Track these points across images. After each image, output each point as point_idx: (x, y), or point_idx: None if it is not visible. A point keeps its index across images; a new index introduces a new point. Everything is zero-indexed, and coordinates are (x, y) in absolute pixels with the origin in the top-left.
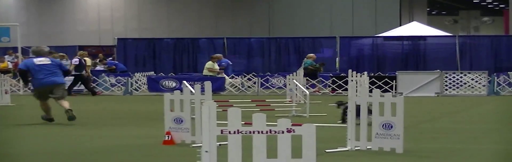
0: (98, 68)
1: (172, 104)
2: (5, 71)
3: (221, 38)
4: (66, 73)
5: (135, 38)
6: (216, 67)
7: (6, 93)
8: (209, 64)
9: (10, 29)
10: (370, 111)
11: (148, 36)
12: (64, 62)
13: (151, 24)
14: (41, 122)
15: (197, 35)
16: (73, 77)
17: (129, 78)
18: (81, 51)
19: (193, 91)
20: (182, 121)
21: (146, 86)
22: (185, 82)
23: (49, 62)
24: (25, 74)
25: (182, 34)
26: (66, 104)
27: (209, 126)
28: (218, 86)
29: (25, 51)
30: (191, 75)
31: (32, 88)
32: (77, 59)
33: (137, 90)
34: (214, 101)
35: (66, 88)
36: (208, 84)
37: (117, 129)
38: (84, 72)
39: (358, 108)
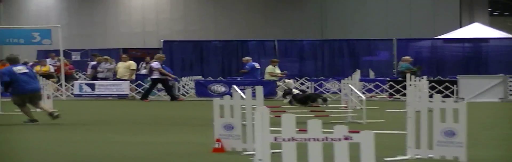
0: (143, 72)
1: (221, 110)
2: (47, 75)
3: (271, 40)
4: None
5: (181, 41)
6: (277, 71)
7: (48, 98)
8: (269, 68)
9: (52, 31)
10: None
11: (195, 38)
12: (107, 65)
13: (198, 25)
14: (87, 128)
15: (245, 37)
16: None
17: (176, 83)
18: (159, 55)
19: (244, 96)
20: (232, 127)
21: (194, 91)
22: (235, 86)
23: (28, 70)
24: (10, 84)
25: (230, 36)
26: (46, 106)
27: (262, 133)
28: (270, 91)
29: (67, 54)
30: (241, 79)
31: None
32: (157, 63)
33: (185, 95)
34: (266, 107)
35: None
36: (259, 89)
37: (164, 135)
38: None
39: (301, 99)
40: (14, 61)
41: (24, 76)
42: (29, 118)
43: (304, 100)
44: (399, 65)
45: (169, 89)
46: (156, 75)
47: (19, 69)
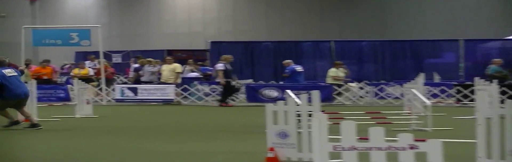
0: (189, 75)
1: (275, 116)
2: (86, 79)
3: (327, 41)
4: None
5: (230, 41)
6: (341, 74)
7: (87, 103)
8: (332, 71)
9: (91, 32)
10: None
11: (244, 39)
12: (151, 68)
13: (248, 25)
14: (128, 136)
15: (299, 37)
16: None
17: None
18: (226, 55)
19: (299, 101)
20: (287, 135)
21: (244, 96)
22: (288, 91)
23: (16, 73)
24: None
25: (282, 37)
26: (30, 113)
27: (319, 141)
28: (327, 96)
29: (107, 56)
30: (295, 83)
31: None
32: (222, 64)
33: (234, 100)
34: (324, 113)
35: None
36: (315, 94)
37: (212, 144)
38: (231, 79)
39: None
40: (1, 64)
41: (14, 79)
42: (9, 121)
43: None
44: (488, 68)
45: (226, 93)
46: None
47: (8, 72)
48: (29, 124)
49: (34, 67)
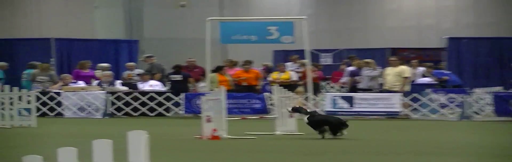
0: (420, 81)
1: None
2: (288, 85)
3: None
4: None
5: (472, 38)
6: None
7: (291, 116)
8: None
9: (294, 25)
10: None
11: (491, 35)
12: (370, 72)
13: (495, 17)
14: (346, 158)
15: None
16: None
17: (467, 96)
18: None
19: None
20: None
21: (491, 108)
22: None
23: None
24: None
25: None
26: None
27: None
28: None
29: (314, 56)
30: None
31: None
32: None
33: (479, 113)
34: None
35: None
36: None
37: None
38: None
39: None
40: None
41: None
42: None
43: (319, 124)
44: None
45: None
46: None
47: None
48: None
49: (234, 70)
